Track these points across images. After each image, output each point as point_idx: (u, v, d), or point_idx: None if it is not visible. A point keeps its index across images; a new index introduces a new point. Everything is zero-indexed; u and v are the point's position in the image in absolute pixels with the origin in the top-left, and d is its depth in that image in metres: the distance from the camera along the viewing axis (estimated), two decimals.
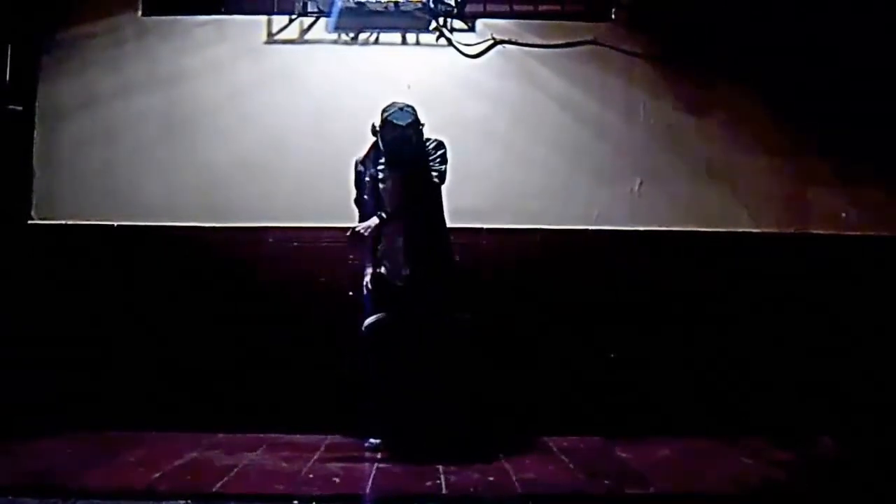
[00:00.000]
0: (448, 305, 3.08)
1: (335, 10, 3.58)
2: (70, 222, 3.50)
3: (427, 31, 3.62)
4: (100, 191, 3.53)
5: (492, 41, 3.60)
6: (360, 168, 3.16)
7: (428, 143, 3.05)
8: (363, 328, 3.07)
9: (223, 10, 3.68)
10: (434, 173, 3.01)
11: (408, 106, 2.97)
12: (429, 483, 2.52)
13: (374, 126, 3.01)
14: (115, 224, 3.49)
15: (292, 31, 3.63)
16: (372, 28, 3.63)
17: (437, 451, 2.90)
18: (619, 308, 3.48)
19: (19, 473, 2.56)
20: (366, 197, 3.14)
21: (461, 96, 3.56)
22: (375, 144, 3.10)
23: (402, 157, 2.96)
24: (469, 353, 3.13)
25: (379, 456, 2.94)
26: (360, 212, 3.17)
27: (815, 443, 3.21)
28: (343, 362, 3.34)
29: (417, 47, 3.63)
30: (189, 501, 2.32)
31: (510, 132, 3.53)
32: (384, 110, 2.97)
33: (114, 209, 3.50)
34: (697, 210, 3.54)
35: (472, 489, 2.48)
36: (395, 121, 2.92)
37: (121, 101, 3.57)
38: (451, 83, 3.57)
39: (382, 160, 3.07)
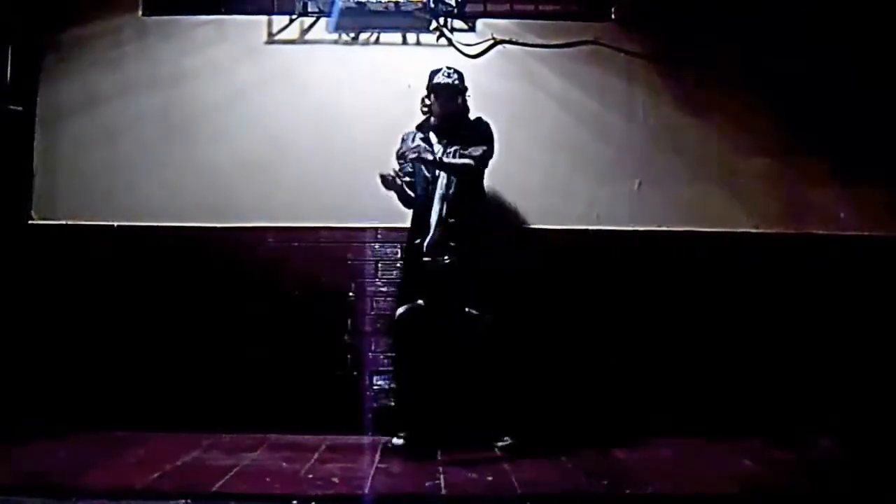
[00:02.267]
0: (476, 298, 3.08)
1: (335, 10, 3.57)
2: (70, 222, 3.50)
3: (427, 31, 3.62)
4: (100, 191, 3.53)
5: (492, 41, 3.60)
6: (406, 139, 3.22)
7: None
8: (395, 317, 3.12)
9: (223, 10, 3.67)
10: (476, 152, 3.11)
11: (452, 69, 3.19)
12: (428, 483, 2.53)
13: (423, 100, 3.21)
14: (115, 224, 3.49)
15: (292, 32, 3.63)
16: (372, 28, 3.63)
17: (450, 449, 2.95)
18: (618, 308, 3.48)
19: (19, 473, 2.57)
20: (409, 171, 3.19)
21: None
22: (423, 124, 3.22)
23: (452, 114, 3.14)
24: (494, 353, 3.12)
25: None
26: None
27: (815, 443, 3.21)
28: (344, 362, 3.37)
29: (418, 47, 3.63)
30: (189, 501, 2.32)
31: (510, 132, 3.52)
32: (431, 76, 3.18)
33: (114, 209, 3.50)
34: (697, 210, 3.53)
35: (471, 489, 2.48)
36: (442, 80, 3.13)
37: (121, 102, 3.57)
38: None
39: (424, 138, 3.17)
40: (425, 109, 3.23)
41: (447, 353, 3.25)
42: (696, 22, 3.62)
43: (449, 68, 3.18)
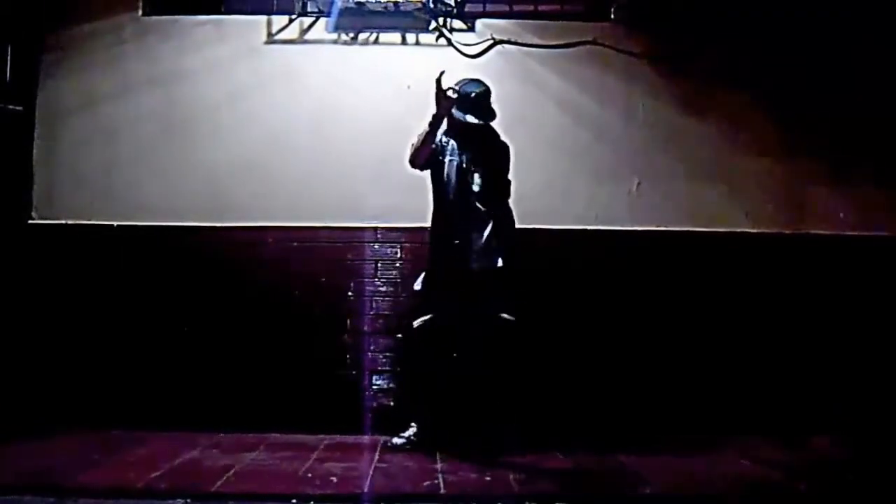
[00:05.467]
0: (499, 306, 3.06)
1: (335, 10, 3.58)
2: (70, 222, 3.51)
3: (427, 31, 3.62)
4: (100, 191, 3.53)
5: (491, 41, 3.60)
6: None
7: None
8: (413, 328, 3.09)
9: (223, 10, 3.69)
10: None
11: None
12: (427, 483, 2.53)
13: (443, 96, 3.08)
14: (115, 224, 3.50)
15: (292, 31, 3.63)
16: (372, 28, 3.63)
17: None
18: (618, 308, 3.48)
19: (19, 473, 2.57)
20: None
21: None
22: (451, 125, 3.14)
23: (476, 126, 3.05)
24: (510, 356, 3.10)
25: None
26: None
27: (814, 443, 3.21)
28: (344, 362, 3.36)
29: (417, 47, 3.63)
30: (188, 500, 2.33)
31: (510, 132, 3.50)
32: (461, 86, 3.07)
33: (114, 209, 3.51)
34: (696, 210, 3.54)
35: (470, 489, 2.48)
36: (469, 90, 3.04)
37: (121, 101, 3.58)
38: (451, 83, 3.56)
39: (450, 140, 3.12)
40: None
41: (460, 356, 3.20)
42: (696, 22, 3.62)
43: (478, 81, 3.09)
